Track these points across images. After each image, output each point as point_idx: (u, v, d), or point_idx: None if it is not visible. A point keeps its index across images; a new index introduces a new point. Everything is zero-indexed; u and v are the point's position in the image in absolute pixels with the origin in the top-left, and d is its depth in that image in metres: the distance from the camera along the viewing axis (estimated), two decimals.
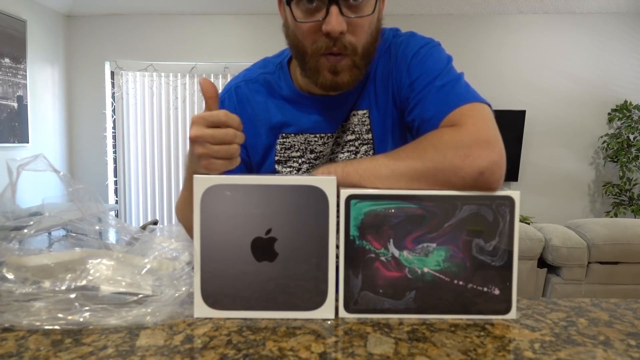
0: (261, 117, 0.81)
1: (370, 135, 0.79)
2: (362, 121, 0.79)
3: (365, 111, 0.79)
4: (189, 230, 0.66)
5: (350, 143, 0.79)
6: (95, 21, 4.04)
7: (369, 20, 0.68)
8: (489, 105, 0.67)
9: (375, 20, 0.70)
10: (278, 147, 0.81)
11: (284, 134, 0.81)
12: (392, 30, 0.80)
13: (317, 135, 0.80)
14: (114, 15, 4.01)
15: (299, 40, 0.70)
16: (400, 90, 0.75)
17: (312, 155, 0.80)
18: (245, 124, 0.82)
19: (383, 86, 0.78)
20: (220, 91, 0.84)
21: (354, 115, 0.79)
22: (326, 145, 0.80)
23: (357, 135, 0.79)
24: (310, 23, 0.66)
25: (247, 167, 0.84)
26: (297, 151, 0.81)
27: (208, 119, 0.57)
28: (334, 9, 0.64)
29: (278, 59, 0.83)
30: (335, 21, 0.64)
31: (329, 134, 0.79)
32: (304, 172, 0.81)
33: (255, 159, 0.83)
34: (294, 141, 0.81)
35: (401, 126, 0.78)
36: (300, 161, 0.81)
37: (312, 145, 0.80)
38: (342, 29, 0.65)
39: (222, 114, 0.58)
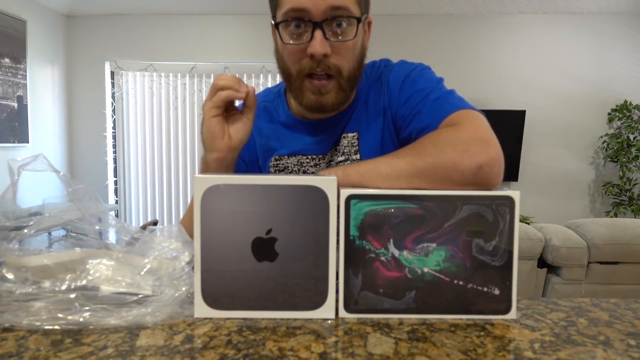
0: (258, 139, 0.86)
1: (358, 156, 0.81)
2: (351, 143, 0.82)
3: (354, 134, 0.82)
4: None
5: (341, 164, 0.82)
6: (95, 21, 4.05)
7: (352, 45, 0.72)
8: (483, 115, 0.70)
9: (359, 46, 0.74)
10: (272, 169, 0.85)
11: (277, 157, 0.85)
12: (383, 60, 0.85)
13: (309, 157, 0.83)
14: (114, 15, 4.01)
15: (286, 62, 0.74)
16: (396, 110, 0.78)
17: None
18: (247, 143, 0.84)
19: (374, 110, 0.81)
20: None
21: (344, 137, 0.82)
22: (318, 166, 0.83)
23: (347, 157, 0.82)
24: (296, 45, 0.70)
25: None
26: (290, 172, 0.84)
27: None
28: (318, 33, 0.68)
29: (276, 88, 0.90)
30: (319, 44, 0.68)
31: (320, 156, 0.83)
32: None
33: None
34: (287, 162, 0.84)
35: (394, 147, 0.80)
36: None
37: (305, 166, 0.83)
38: (325, 52, 0.69)
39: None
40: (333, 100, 0.73)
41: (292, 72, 0.73)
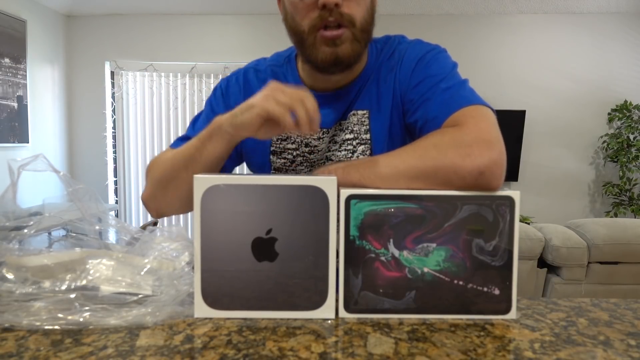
0: None
1: (368, 136, 0.79)
2: (361, 121, 0.79)
3: (365, 112, 0.79)
4: (168, 188, 0.69)
5: (348, 142, 0.80)
6: (95, 21, 4.04)
7: None
8: (492, 110, 0.68)
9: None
10: (274, 138, 0.82)
11: None
12: (397, 36, 0.82)
13: None
14: (114, 15, 4.01)
15: (297, 21, 0.72)
16: (405, 92, 0.76)
17: (307, 149, 0.81)
18: None
19: (386, 89, 0.78)
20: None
21: (354, 115, 0.80)
22: (321, 140, 0.81)
23: (356, 135, 0.80)
24: (307, 1, 0.69)
25: (237, 153, 0.84)
26: (292, 143, 0.82)
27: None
28: None
29: (287, 52, 0.86)
30: None
31: (324, 130, 0.80)
32: (298, 165, 0.82)
33: (250, 145, 0.83)
34: (290, 132, 0.81)
35: (401, 128, 0.79)
36: (295, 154, 0.82)
37: (308, 138, 0.81)
38: (336, 1, 0.67)
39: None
40: (349, 51, 0.71)
41: (304, 29, 0.71)
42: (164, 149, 4.45)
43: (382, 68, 0.79)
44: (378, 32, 0.82)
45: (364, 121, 0.79)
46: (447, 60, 0.76)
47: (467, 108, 0.66)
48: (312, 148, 0.81)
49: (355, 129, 0.80)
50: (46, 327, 0.48)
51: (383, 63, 0.79)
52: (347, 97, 0.79)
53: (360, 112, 0.79)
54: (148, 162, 4.16)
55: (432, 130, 0.66)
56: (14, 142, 3.45)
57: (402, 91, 0.76)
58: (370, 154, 0.79)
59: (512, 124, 3.79)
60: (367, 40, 0.74)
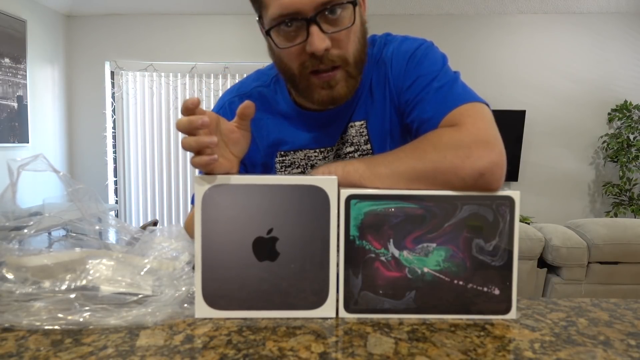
0: (257, 135, 0.80)
1: (369, 146, 0.79)
2: (359, 132, 0.79)
3: (362, 122, 0.78)
4: None
5: (350, 155, 0.79)
6: (95, 21, 4.04)
7: (352, 30, 0.67)
8: (487, 105, 0.67)
9: (359, 27, 0.69)
10: (278, 165, 0.81)
11: (282, 152, 0.80)
12: (382, 37, 0.79)
13: (317, 150, 0.80)
14: (114, 15, 4.01)
15: (286, 64, 0.69)
16: (400, 94, 0.75)
17: None
18: None
19: (380, 94, 0.77)
20: (214, 106, 0.84)
21: (352, 126, 0.79)
22: (327, 159, 0.80)
23: (356, 147, 0.79)
24: (294, 47, 0.66)
25: None
26: (297, 167, 0.81)
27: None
28: (314, 29, 0.63)
29: (273, 71, 0.81)
30: (317, 40, 0.63)
31: (328, 148, 0.79)
32: None
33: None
34: (293, 158, 0.80)
35: (401, 132, 0.78)
36: None
37: (313, 160, 0.80)
38: (325, 46, 0.64)
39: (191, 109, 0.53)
40: (344, 91, 0.69)
41: (294, 72, 0.68)
42: (163, 149, 4.45)
43: (373, 74, 0.77)
44: (378, 31, 0.81)
45: (362, 132, 0.78)
46: (436, 55, 0.74)
47: (462, 107, 0.65)
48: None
49: (355, 140, 0.79)
50: (46, 327, 0.48)
51: (374, 69, 0.77)
52: (346, 112, 0.78)
53: (357, 123, 0.78)
54: (148, 162, 4.12)
55: (428, 131, 0.65)
56: (14, 142, 3.45)
57: (397, 94, 0.75)
58: None
59: (512, 124, 3.79)
60: (362, 69, 0.72)
